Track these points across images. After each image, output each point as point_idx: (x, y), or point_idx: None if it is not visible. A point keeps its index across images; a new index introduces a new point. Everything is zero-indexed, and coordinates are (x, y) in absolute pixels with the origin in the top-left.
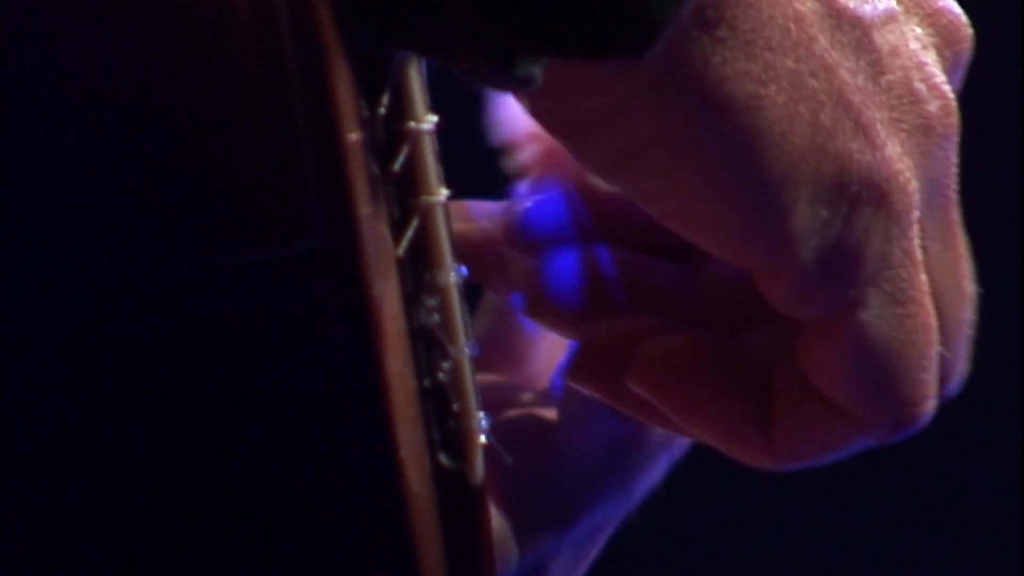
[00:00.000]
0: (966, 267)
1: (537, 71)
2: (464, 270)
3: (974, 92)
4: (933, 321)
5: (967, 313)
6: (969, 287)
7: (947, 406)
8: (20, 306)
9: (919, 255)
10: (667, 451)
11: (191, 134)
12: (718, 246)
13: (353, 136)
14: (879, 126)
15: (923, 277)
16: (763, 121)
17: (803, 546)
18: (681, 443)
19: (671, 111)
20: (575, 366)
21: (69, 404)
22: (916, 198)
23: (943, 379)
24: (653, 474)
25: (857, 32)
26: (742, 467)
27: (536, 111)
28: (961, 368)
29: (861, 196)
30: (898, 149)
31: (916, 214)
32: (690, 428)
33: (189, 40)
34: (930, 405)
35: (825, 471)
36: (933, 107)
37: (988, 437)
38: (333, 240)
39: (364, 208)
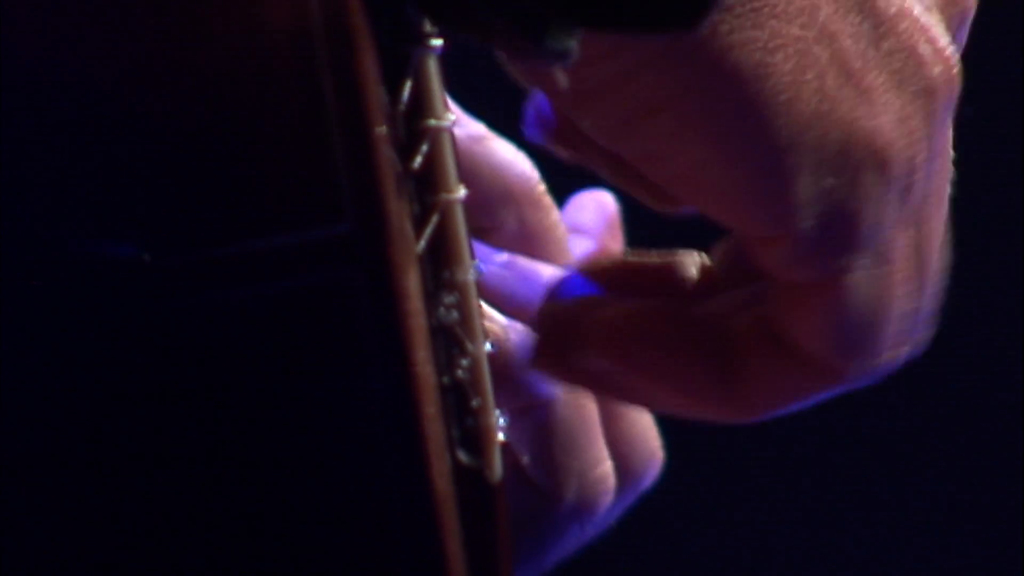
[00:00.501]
0: (944, 229)
1: (572, 44)
2: (482, 268)
3: (974, 92)
4: (914, 277)
5: (940, 272)
6: (945, 250)
7: (946, 406)
8: (32, 291)
9: (912, 212)
10: (579, 523)
11: (216, 118)
12: (721, 211)
13: (380, 121)
14: (882, 91)
15: (910, 233)
16: (769, 88)
17: (803, 546)
18: (594, 518)
19: (678, 79)
20: (535, 353)
21: (90, 393)
22: (918, 161)
23: (913, 332)
24: (564, 546)
25: None
26: (735, 469)
27: (541, 79)
28: (929, 324)
29: (864, 163)
30: (900, 114)
31: (916, 176)
32: (654, 393)
33: (220, 25)
34: (901, 356)
35: (824, 471)
36: (936, 71)
37: (988, 437)
38: (362, 223)
39: (391, 191)
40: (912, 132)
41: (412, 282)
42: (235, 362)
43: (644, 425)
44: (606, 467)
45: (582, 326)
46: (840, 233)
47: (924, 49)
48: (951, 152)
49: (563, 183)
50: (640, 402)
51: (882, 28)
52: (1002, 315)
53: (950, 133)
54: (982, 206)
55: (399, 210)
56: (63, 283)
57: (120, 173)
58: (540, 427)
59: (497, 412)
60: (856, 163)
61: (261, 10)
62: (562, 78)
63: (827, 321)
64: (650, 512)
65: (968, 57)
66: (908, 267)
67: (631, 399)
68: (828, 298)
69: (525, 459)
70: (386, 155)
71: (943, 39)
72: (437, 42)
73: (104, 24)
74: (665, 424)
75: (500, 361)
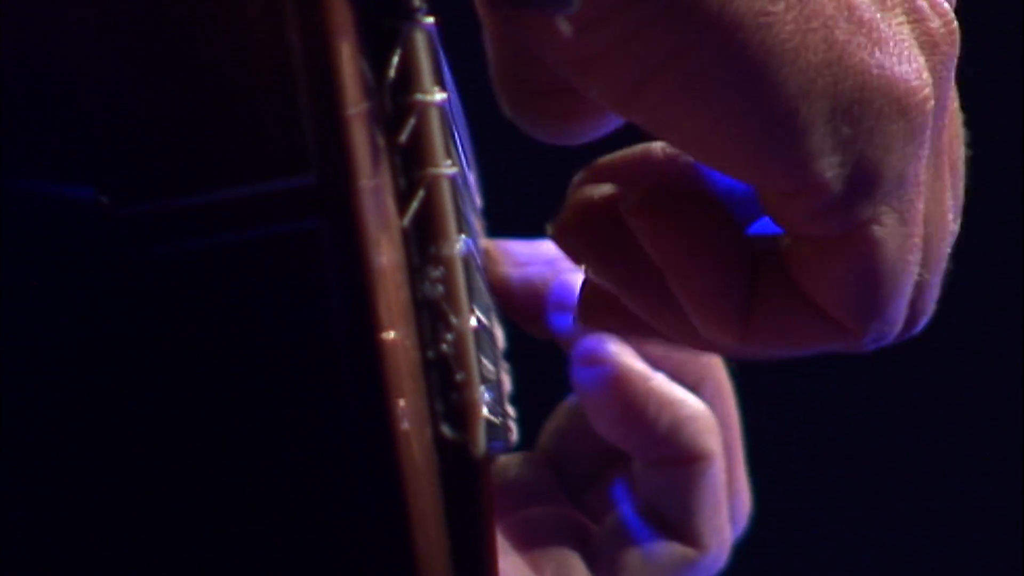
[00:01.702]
0: (949, 199)
1: None
2: (469, 243)
3: (974, 92)
4: (922, 246)
5: (947, 245)
6: (951, 219)
7: (947, 407)
8: None
9: (924, 177)
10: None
11: (181, 65)
12: (738, 168)
13: (348, 66)
14: (894, 41)
15: (927, 195)
16: (773, 38)
17: (803, 546)
18: (718, 569)
19: (680, 35)
20: (563, 225)
21: (38, 342)
22: (931, 115)
23: (919, 307)
24: None
25: None
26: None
27: (546, 51)
28: (934, 299)
29: (884, 111)
30: (915, 64)
31: (929, 133)
32: (676, 283)
33: None
34: (904, 326)
35: (824, 471)
36: (935, 24)
37: (988, 436)
38: (327, 174)
39: (358, 144)
40: (925, 83)
41: (391, 261)
42: (196, 313)
43: (743, 472)
44: (728, 519)
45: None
46: (863, 184)
47: (922, 3)
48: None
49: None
50: (650, 333)
51: None
52: (1002, 315)
53: (955, 95)
54: (982, 206)
55: (366, 162)
56: (18, 224)
57: (83, 118)
58: (698, 482)
59: (483, 387)
60: (877, 111)
61: None
62: (565, 26)
63: (847, 278)
64: None
65: (969, 57)
66: (920, 236)
67: (640, 329)
68: (851, 252)
69: (673, 513)
70: (356, 107)
71: None
72: (428, 19)
73: None
74: None
75: (673, 424)
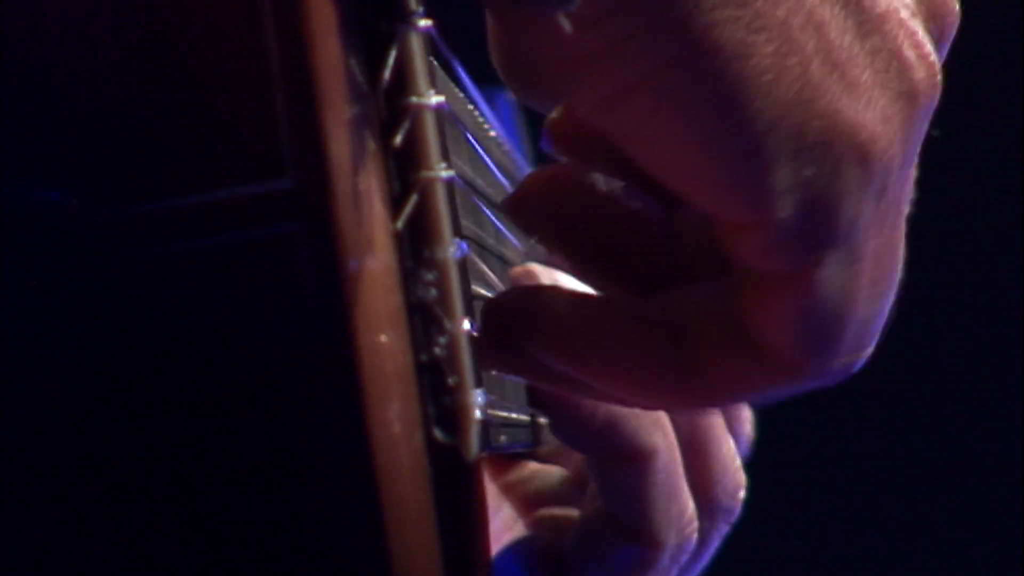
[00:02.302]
0: (903, 247)
1: None
2: (464, 246)
3: (975, 92)
4: (877, 282)
5: (896, 283)
6: (901, 263)
7: (947, 406)
8: None
9: (883, 217)
10: (676, 565)
11: (158, 68)
12: (699, 194)
13: (328, 69)
14: (867, 87)
15: (880, 237)
16: (750, 69)
17: (801, 546)
18: (686, 555)
19: (660, 53)
20: (481, 343)
21: (26, 353)
22: (896, 162)
23: (870, 339)
24: None
25: None
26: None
27: (529, 48)
28: (879, 336)
29: (845, 156)
30: (884, 113)
31: (893, 178)
32: (603, 384)
33: None
34: (860, 360)
35: (823, 472)
36: (920, 75)
37: (988, 436)
38: (304, 178)
39: (338, 147)
40: (893, 133)
41: (374, 264)
42: (172, 318)
43: (726, 457)
44: (692, 505)
45: (528, 316)
46: (816, 225)
47: (909, 52)
48: (915, 169)
49: None
50: (589, 393)
51: (868, 25)
52: (1003, 315)
53: (919, 146)
54: (982, 206)
55: (345, 165)
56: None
57: (56, 120)
58: (641, 479)
59: (476, 391)
60: (837, 155)
61: None
62: (566, 23)
63: (793, 314)
64: None
65: (971, 56)
66: (873, 271)
67: (580, 390)
68: (797, 290)
69: (623, 511)
70: (334, 103)
71: (928, 45)
72: (424, 22)
73: None
74: None
75: (608, 421)
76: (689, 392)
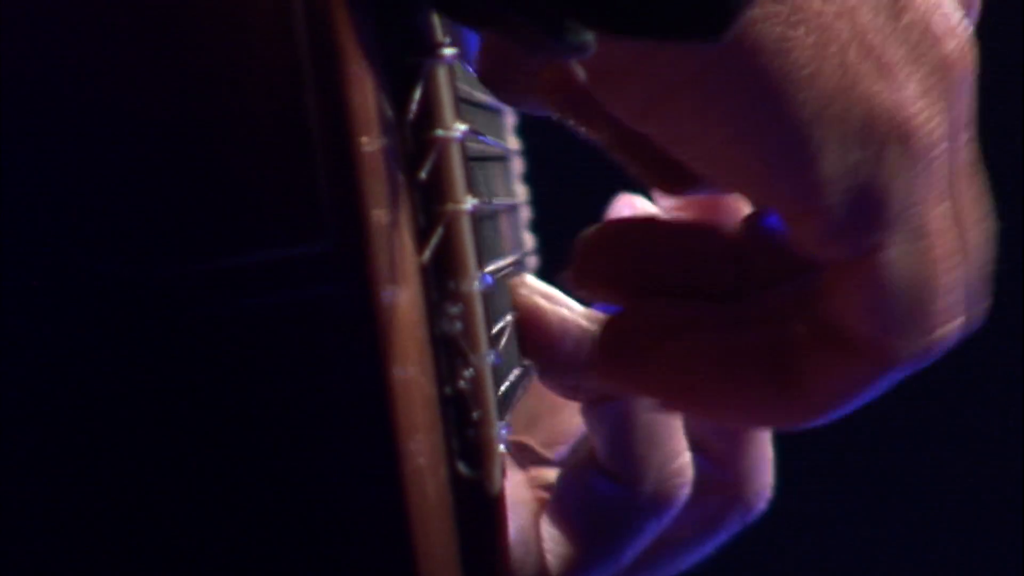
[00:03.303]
0: (983, 205)
1: (590, 37)
2: (488, 279)
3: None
4: (956, 250)
5: (984, 244)
6: (987, 223)
7: (947, 406)
8: (22, 306)
9: (942, 186)
10: (656, 517)
11: (198, 133)
12: (748, 188)
13: (367, 138)
14: (901, 65)
15: (944, 207)
16: (792, 63)
17: (801, 546)
18: (671, 511)
19: (701, 55)
20: (597, 369)
21: (70, 406)
22: (938, 135)
23: (966, 311)
24: (641, 539)
25: None
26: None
27: (547, 74)
28: (982, 301)
29: (888, 136)
30: (919, 88)
31: (939, 150)
32: (715, 409)
33: (202, 37)
34: (954, 331)
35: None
36: (951, 47)
37: (988, 435)
38: (343, 242)
39: (377, 211)
40: (931, 106)
41: (408, 298)
42: (215, 378)
43: (762, 457)
44: (685, 459)
45: (640, 364)
46: (869, 208)
47: (938, 24)
48: (973, 129)
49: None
50: (700, 415)
51: (900, 3)
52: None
53: (970, 110)
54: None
55: (387, 225)
56: (48, 296)
57: (101, 187)
58: (621, 417)
59: (500, 424)
60: (880, 137)
61: (245, 24)
62: (580, 71)
63: (871, 299)
64: None
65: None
66: (948, 240)
67: (691, 413)
68: (869, 275)
69: (601, 447)
70: (375, 169)
71: (956, 15)
72: (449, 51)
73: (81, 35)
74: None
75: (585, 349)
76: (796, 406)
